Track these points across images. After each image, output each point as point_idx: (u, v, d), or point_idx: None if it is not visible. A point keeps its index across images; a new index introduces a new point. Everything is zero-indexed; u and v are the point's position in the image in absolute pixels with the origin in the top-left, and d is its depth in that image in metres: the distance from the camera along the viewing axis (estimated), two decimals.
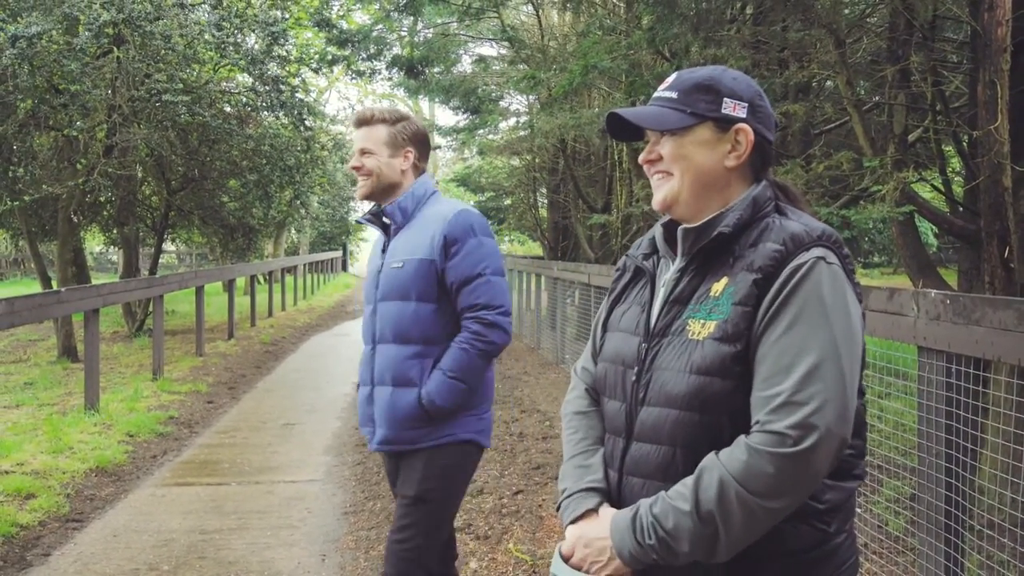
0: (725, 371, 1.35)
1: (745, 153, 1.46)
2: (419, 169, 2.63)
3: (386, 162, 2.56)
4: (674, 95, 1.49)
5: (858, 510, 3.79)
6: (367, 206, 2.74)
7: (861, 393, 1.41)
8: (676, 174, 1.47)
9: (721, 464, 1.32)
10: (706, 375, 1.36)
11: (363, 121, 2.58)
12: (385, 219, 2.62)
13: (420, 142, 2.62)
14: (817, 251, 1.37)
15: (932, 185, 6.40)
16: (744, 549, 1.35)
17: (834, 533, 1.41)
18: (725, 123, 1.46)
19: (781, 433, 1.28)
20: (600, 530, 1.43)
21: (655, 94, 1.53)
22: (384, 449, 2.58)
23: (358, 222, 2.74)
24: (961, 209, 5.57)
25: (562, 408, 1.70)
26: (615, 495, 1.50)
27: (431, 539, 2.51)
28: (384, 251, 2.60)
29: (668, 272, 1.52)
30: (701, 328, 1.39)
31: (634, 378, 1.47)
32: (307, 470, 5.78)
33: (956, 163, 7.02)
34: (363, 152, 2.56)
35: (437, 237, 2.47)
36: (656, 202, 1.51)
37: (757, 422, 1.32)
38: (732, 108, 1.46)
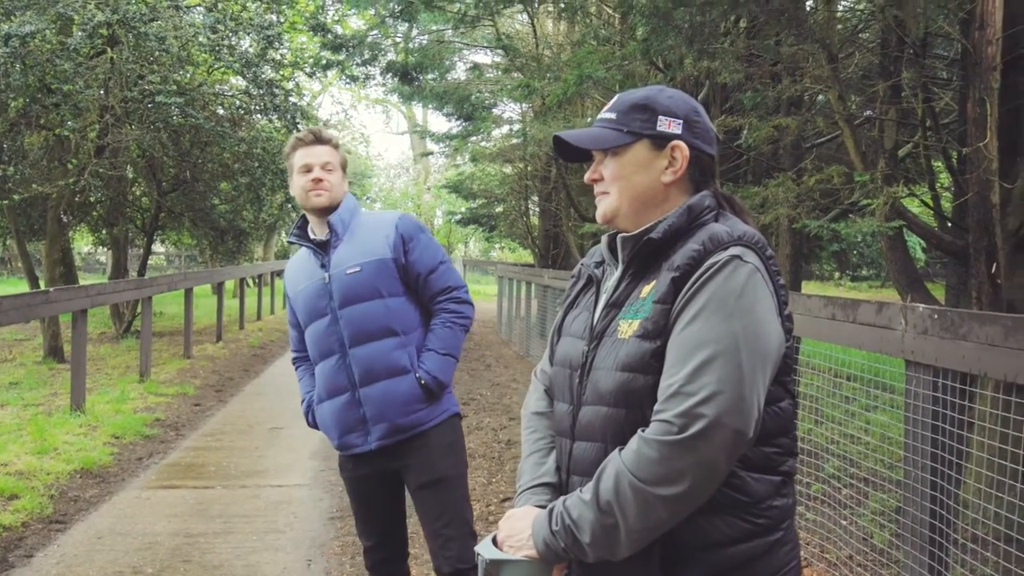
0: (646, 367, 1.40)
1: (681, 168, 1.51)
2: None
3: (339, 181, 2.72)
4: (613, 116, 1.55)
5: (844, 522, 3.81)
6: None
7: (792, 395, 1.46)
8: (613, 192, 1.54)
9: (618, 455, 1.37)
10: (629, 371, 1.42)
11: (323, 139, 2.72)
12: (313, 235, 2.72)
13: (346, 167, 2.81)
14: (734, 250, 1.40)
15: (921, 200, 6.46)
16: (670, 542, 1.38)
17: (765, 530, 1.42)
18: (661, 140, 1.51)
19: (667, 421, 1.32)
20: (528, 515, 1.50)
21: (598, 116, 1.59)
22: (387, 443, 2.65)
23: (290, 242, 2.85)
24: (950, 225, 5.62)
25: (522, 409, 1.76)
26: (564, 493, 1.54)
27: (468, 512, 2.73)
28: (324, 265, 2.68)
29: (611, 279, 1.58)
30: (628, 327, 1.45)
31: (577, 380, 1.53)
32: (294, 474, 5.76)
33: (945, 179, 7.08)
34: (325, 167, 2.68)
35: (392, 236, 2.66)
36: (598, 216, 1.58)
37: (654, 412, 1.37)
38: (667, 125, 1.51)
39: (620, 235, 1.55)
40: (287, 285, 2.85)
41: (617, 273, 1.56)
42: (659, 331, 1.40)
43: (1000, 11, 4.00)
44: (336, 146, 2.76)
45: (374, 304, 2.63)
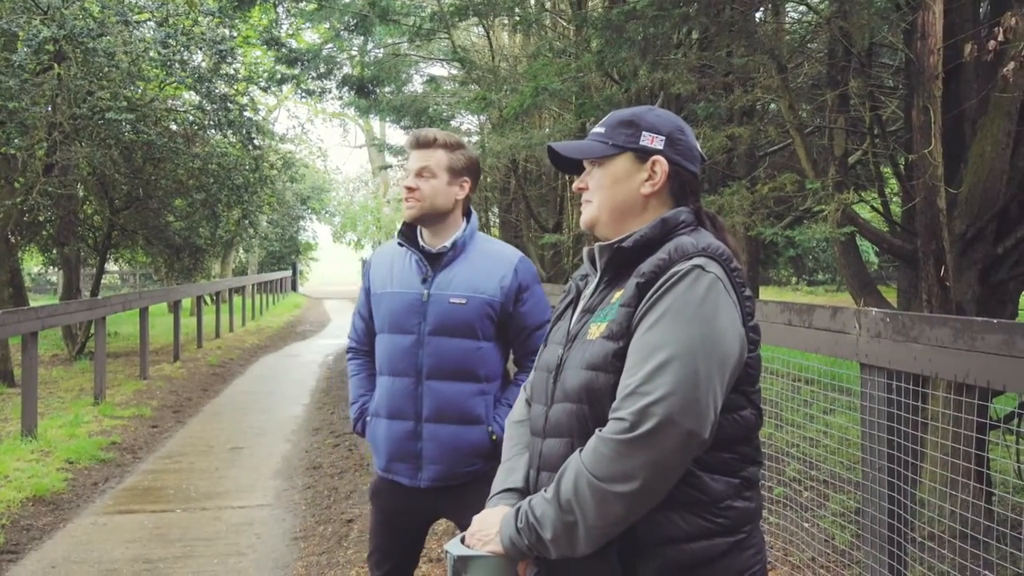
0: (608, 365, 1.47)
1: (660, 182, 1.59)
2: (468, 200, 2.57)
3: (443, 188, 2.48)
4: (602, 130, 1.65)
5: (806, 525, 3.86)
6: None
7: (755, 406, 1.51)
8: (595, 201, 1.63)
9: (578, 455, 1.43)
10: (593, 370, 1.48)
11: (425, 143, 2.49)
12: (423, 241, 2.53)
13: (475, 172, 2.55)
14: (698, 260, 1.47)
15: (871, 206, 6.61)
16: (629, 537, 1.42)
17: (725, 530, 1.45)
18: (643, 154, 1.60)
19: (621, 419, 1.38)
20: (497, 514, 1.57)
21: (591, 130, 1.69)
22: (438, 485, 2.48)
23: (399, 244, 2.56)
24: (899, 229, 5.76)
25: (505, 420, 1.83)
26: (532, 491, 1.59)
27: None
28: (426, 280, 2.48)
29: (590, 287, 1.66)
30: (596, 329, 1.53)
31: (552, 381, 1.60)
32: (256, 495, 5.66)
33: (894, 185, 7.27)
34: (421, 173, 2.47)
35: (509, 281, 2.48)
36: (581, 223, 1.68)
37: (611, 411, 1.42)
38: (650, 140, 1.60)
39: (597, 244, 1.63)
40: (372, 278, 2.60)
41: (594, 281, 1.64)
42: (622, 332, 1.47)
43: (940, 22, 4.12)
44: (449, 146, 2.49)
45: (467, 343, 2.45)
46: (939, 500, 3.15)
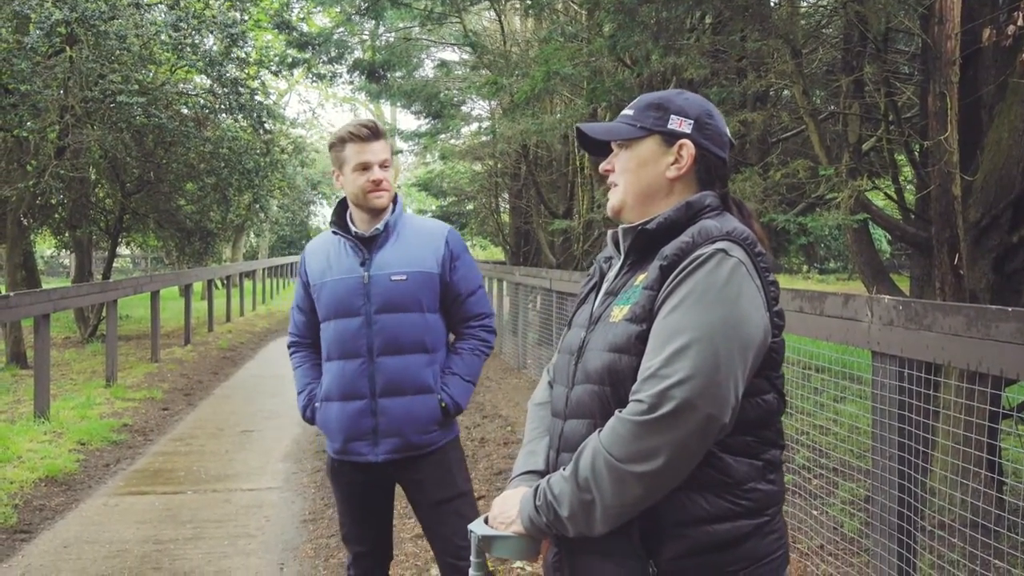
0: (631, 348, 1.46)
1: (686, 165, 1.58)
2: None
3: (392, 176, 2.63)
4: (631, 113, 1.64)
5: (815, 512, 3.85)
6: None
7: (778, 391, 1.50)
8: (621, 184, 1.62)
9: (597, 435, 1.44)
10: (616, 352, 1.48)
11: (378, 134, 2.58)
12: (355, 227, 2.61)
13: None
14: (721, 244, 1.46)
15: (885, 193, 6.55)
16: (651, 517, 1.42)
17: (748, 512, 1.45)
18: (671, 137, 1.58)
19: (640, 401, 1.38)
20: (517, 495, 1.58)
21: (620, 113, 1.68)
22: (396, 457, 2.56)
23: (335, 233, 2.65)
24: (913, 217, 5.70)
25: (529, 402, 1.84)
26: (552, 472, 1.60)
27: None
28: (364, 263, 2.56)
29: (613, 270, 1.66)
30: (619, 312, 1.52)
31: (574, 363, 1.60)
32: (265, 477, 5.70)
33: (908, 172, 7.20)
34: (384, 165, 2.57)
35: (442, 251, 2.60)
36: (608, 209, 1.67)
37: (631, 393, 1.43)
38: (678, 124, 1.58)
39: (621, 226, 1.63)
40: (309, 271, 2.68)
41: (618, 264, 1.64)
42: (645, 315, 1.46)
43: (959, 6, 4.06)
44: (384, 136, 2.62)
45: (413, 316, 2.55)
46: (950, 489, 3.14)
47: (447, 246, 2.62)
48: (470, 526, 1.61)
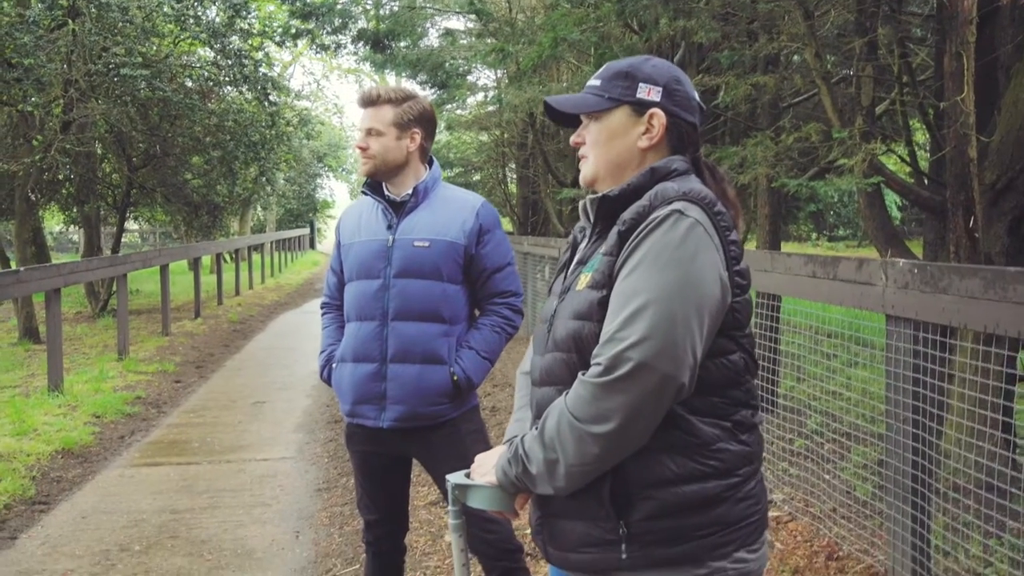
0: (593, 314, 1.47)
1: (658, 135, 1.57)
2: (425, 149, 2.63)
3: (393, 144, 2.55)
4: (598, 83, 1.61)
5: (827, 476, 3.86)
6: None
7: (745, 351, 1.50)
8: (592, 156, 1.61)
9: (563, 397, 1.47)
10: (580, 319, 1.50)
11: (369, 101, 2.56)
12: (388, 192, 2.61)
13: (427, 122, 2.61)
14: (677, 204, 1.45)
15: (899, 157, 6.48)
16: (620, 479, 1.44)
17: (718, 472, 1.45)
18: (640, 107, 1.57)
19: (599, 363, 1.40)
20: (498, 451, 1.65)
21: (587, 83, 1.66)
22: (402, 426, 2.54)
23: (363, 193, 2.66)
24: (927, 180, 5.64)
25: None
26: None
27: None
28: (391, 227, 2.56)
29: (586, 239, 1.66)
30: (584, 280, 1.53)
31: (547, 331, 1.62)
32: (279, 448, 5.74)
33: (922, 135, 7.11)
34: (369, 132, 2.55)
35: (471, 223, 2.56)
36: (580, 180, 1.66)
37: (592, 356, 1.45)
38: (647, 93, 1.57)
39: (589, 196, 1.62)
40: (342, 231, 2.70)
41: (588, 232, 1.64)
42: (605, 281, 1.47)
43: None
44: (395, 101, 2.56)
45: (431, 284, 2.52)
46: (964, 451, 3.13)
47: (477, 218, 2.58)
48: (448, 476, 1.67)
